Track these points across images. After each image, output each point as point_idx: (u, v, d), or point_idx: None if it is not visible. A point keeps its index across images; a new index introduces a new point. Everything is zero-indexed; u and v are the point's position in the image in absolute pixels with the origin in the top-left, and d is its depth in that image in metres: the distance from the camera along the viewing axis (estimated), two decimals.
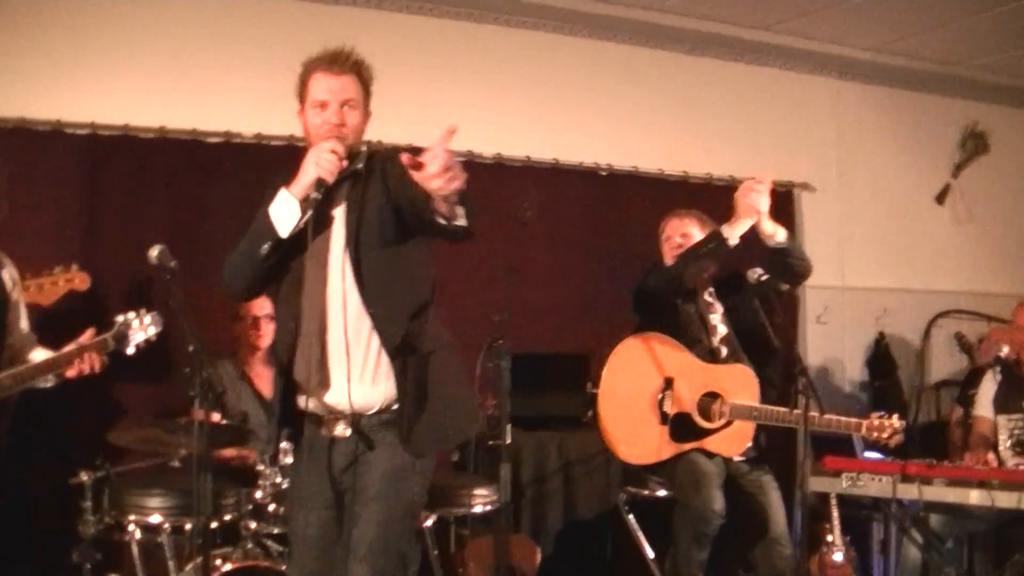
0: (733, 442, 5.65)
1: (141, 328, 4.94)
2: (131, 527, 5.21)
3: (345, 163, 3.87)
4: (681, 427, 5.63)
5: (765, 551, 5.58)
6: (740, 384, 5.63)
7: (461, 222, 3.62)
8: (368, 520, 3.85)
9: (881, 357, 8.84)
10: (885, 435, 5.52)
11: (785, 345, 5.82)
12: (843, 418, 5.60)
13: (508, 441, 4.91)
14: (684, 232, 5.86)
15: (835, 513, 6.37)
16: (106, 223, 6.48)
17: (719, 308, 5.88)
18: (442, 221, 3.60)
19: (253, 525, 5.24)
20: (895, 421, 5.54)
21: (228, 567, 5.04)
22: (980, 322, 9.07)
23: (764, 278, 5.50)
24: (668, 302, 5.73)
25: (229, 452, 5.72)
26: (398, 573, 3.95)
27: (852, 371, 8.89)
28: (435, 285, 4.09)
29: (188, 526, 5.18)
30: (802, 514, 5.11)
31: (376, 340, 3.88)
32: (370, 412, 3.93)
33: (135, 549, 5.24)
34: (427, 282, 4.06)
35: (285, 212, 3.83)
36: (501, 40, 7.71)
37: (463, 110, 7.46)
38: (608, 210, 7.92)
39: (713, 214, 5.90)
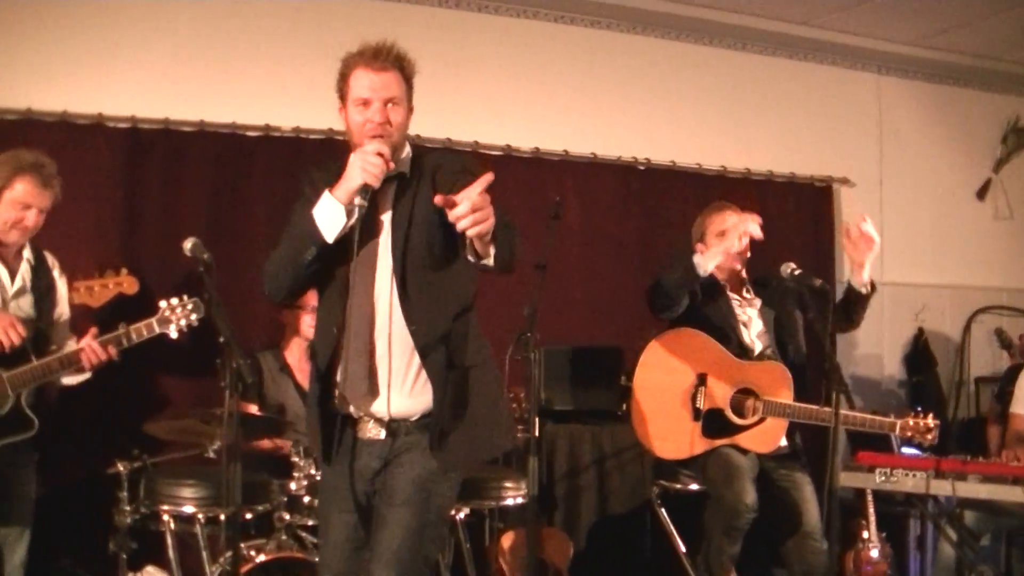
0: (766, 439, 5.64)
1: (184, 314, 5.05)
2: (166, 517, 5.28)
3: (392, 165, 3.79)
4: (714, 423, 5.64)
5: (798, 546, 5.57)
6: (774, 381, 5.62)
7: (488, 262, 3.59)
8: (397, 524, 3.81)
9: (920, 353, 8.79)
10: (919, 435, 5.51)
11: (817, 342, 5.79)
12: (877, 417, 5.61)
13: (536, 434, 4.91)
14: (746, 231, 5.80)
15: (871, 509, 6.35)
16: (146, 216, 6.55)
17: (757, 303, 5.87)
18: (471, 258, 3.59)
19: (287, 516, 5.28)
20: (929, 421, 5.52)
21: (262, 558, 5.09)
22: (1021, 318, 9.00)
23: (797, 273, 5.47)
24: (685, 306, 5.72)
25: (265, 443, 5.77)
26: (426, 574, 3.94)
27: (890, 367, 8.84)
28: (476, 296, 4.05)
29: (222, 516, 5.23)
30: (831, 509, 5.09)
31: (417, 354, 3.84)
32: (408, 420, 3.90)
33: (170, 539, 5.30)
34: (469, 296, 4.01)
35: (331, 217, 3.73)
36: (539, 34, 7.72)
37: (500, 104, 7.50)
38: (645, 204, 7.91)
39: (750, 210, 5.86)
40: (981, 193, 9.30)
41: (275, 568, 5.10)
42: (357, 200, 3.68)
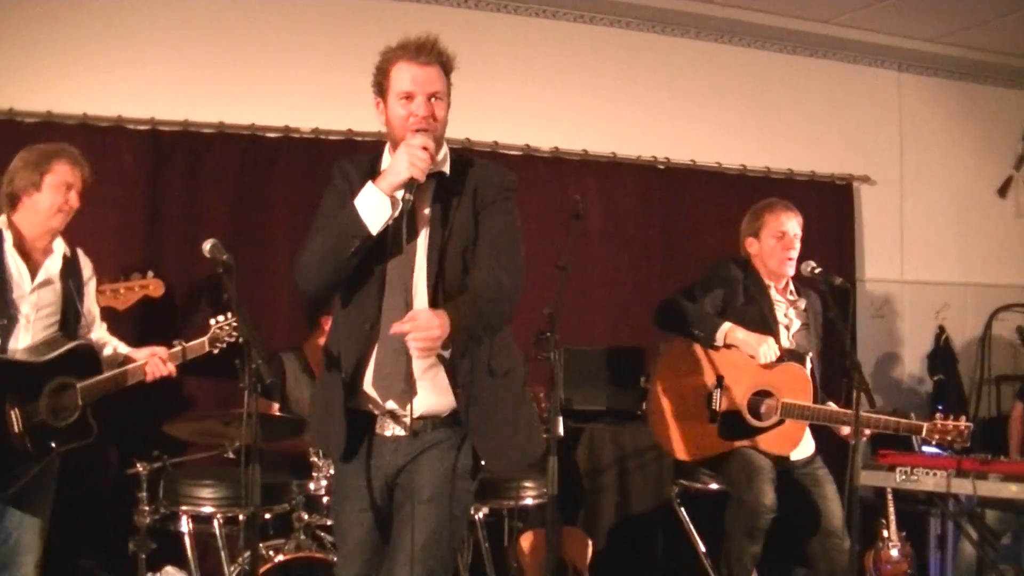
0: (785, 441, 5.62)
1: (230, 331, 5.31)
2: (184, 518, 5.32)
3: (437, 159, 3.79)
4: (732, 425, 5.62)
5: (821, 545, 5.55)
6: (792, 383, 5.59)
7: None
8: (421, 520, 3.78)
9: (941, 351, 8.77)
10: (951, 439, 5.47)
11: (838, 341, 5.77)
12: (903, 420, 5.55)
13: (558, 434, 4.90)
14: (796, 232, 5.80)
15: (891, 508, 6.34)
16: (167, 218, 6.58)
17: (801, 303, 5.85)
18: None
19: (306, 516, 5.31)
20: (961, 424, 5.48)
21: (280, 558, 5.11)
22: None
23: (818, 271, 5.46)
24: None
25: (287, 443, 5.79)
26: (449, 571, 3.93)
27: (911, 365, 8.82)
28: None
29: (240, 517, 5.26)
30: (852, 508, 5.07)
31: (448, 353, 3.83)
32: (436, 417, 3.88)
33: (188, 540, 5.34)
34: None
35: (376, 209, 3.70)
36: (558, 34, 7.72)
37: (520, 104, 7.51)
38: (666, 203, 7.91)
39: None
40: (1002, 190, 9.26)
41: (294, 568, 5.12)
42: (402, 194, 3.68)
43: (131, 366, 5.09)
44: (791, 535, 5.71)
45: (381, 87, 3.86)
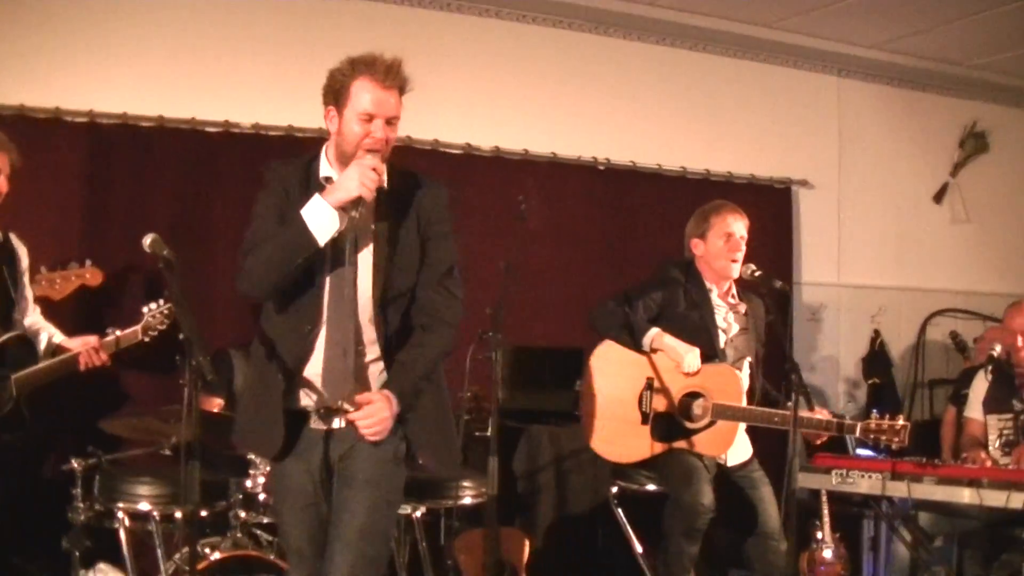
0: (718, 442, 5.64)
1: (163, 318, 5.27)
2: (120, 515, 5.26)
3: (384, 180, 3.90)
4: (666, 427, 5.64)
5: (758, 546, 5.60)
6: (724, 385, 5.62)
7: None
8: (359, 503, 3.93)
9: (876, 355, 8.85)
10: (887, 438, 5.52)
11: (777, 343, 5.80)
12: (836, 420, 5.59)
13: (496, 433, 4.91)
14: (743, 235, 5.83)
15: (825, 510, 6.37)
16: (107, 212, 6.49)
17: (742, 308, 5.87)
18: None
19: (243, 514, 5.27)
20: (898, 423, 5.53)
21: (217, 555, 5.06)
22: (976, 322, 9.09)
23: (758, 274, 5.49)
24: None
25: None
26: (384, 557, 4.08)
27: (847, 368, 8.89)
28: None
29: (177, 514, 5.22)
30: (791, 511, 5.11)
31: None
32: None
33: (124, 537, 5.28)
34: None
35: (324, 222, 3.82)
36: (500, 33, 7.70)
37: (461, 102, 7.48)
38: (606, 204, 7.92)
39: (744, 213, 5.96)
40: (939, 197, 9.36)
41: (231, 566, 5.07)
42: (351, 211, 3.82)
43: (64, 356, 5.06)
44: (728, 537, 5.74)
45: (337, 97, 3.93)
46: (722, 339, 5.74)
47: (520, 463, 6.73)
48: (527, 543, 6.07)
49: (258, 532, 5.40)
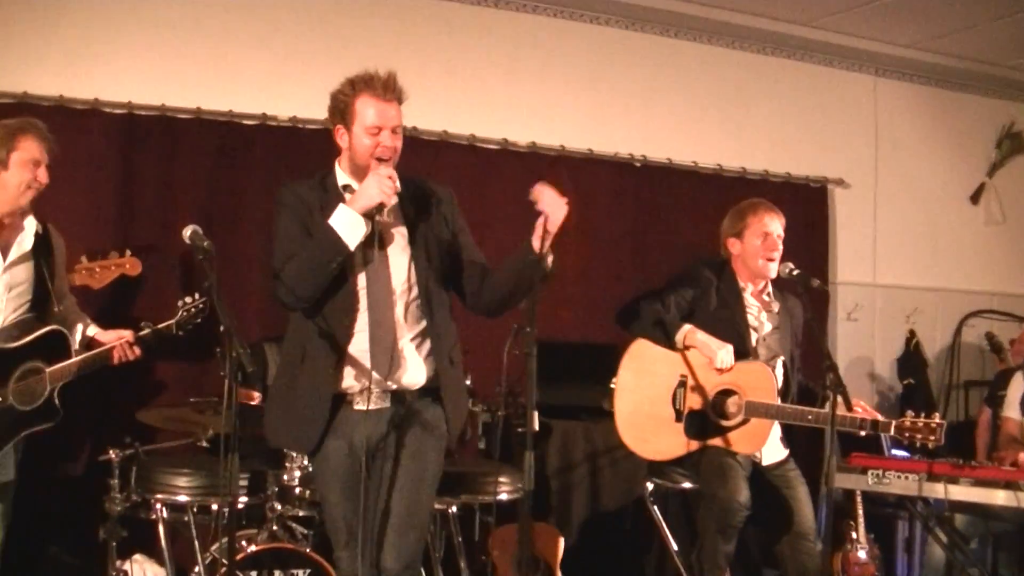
0: (752, 440, 5.60)
1: (197, 313, 5.23)
2: (158, 506, 5.28)
3: (399, 185, 4.15)
4: (699, 424, 5.60)
5: (792, 546, 5.56)
6: (756, 381, 5.59)
7: (546, 264, 4.36)
8: (405, 476, 4.24)
9: (911, 356, 8.80)
10: (920, 436, 5.47)
11: (814, 342, 5.76)
12: (867, 417, 5.55)
13: (535, 429, 4.89)
14: (780, 234, 5.80)
15: (860, 510, 6.36)
16: (142, 203, 6.52)
17: (775, 307, 5.84)
18: (532, 256, 4.31)
19: (279, 507, 5.28)
20: (933, 421, 5.48)
21: (253, 548, 5.09)
22: (1012, 323, 9.03)
23: (796, 273, 5.46)
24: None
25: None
26: (427, 528, 4.43)
27: (881, 369, 8.85)
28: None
29: (214, 506, 5.23)
30: (828, 511, 5.09)
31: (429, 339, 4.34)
32: (413, 388, 4.31)
33: (161, 528, 5.31)
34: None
35: (352, 228, 4.11)
36: (538, 29, 7.70)
37: (497, 98, 7.49)
38: (640, 201, 7.91)
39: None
40: (975, 197, 9.31)
41: (266, 559, 5.08)
42: (377, 216, 4.16)
43: (98, 350, 5.05)
44: (761, 536, 5.71)
45: (344, 116, 4.25)
46: (753, 337, 5.71)
47: (554, 459, 6.73)
48: (561, 540, 6.07)
49: (293, 525, 5.41)
